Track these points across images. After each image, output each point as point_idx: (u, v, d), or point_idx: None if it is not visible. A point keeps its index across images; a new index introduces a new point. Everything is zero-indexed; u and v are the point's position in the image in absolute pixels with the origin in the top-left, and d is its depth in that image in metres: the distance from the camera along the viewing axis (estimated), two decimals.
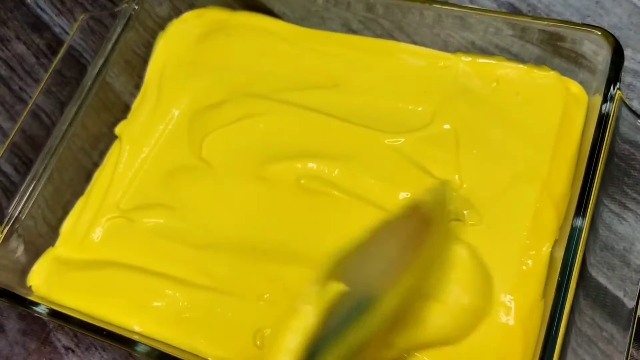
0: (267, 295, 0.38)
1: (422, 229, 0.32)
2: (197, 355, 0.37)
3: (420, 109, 0.42)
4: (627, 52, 0.45)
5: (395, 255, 0.31)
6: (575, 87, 0.41)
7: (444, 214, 0.35)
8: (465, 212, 0.37)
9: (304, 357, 0.26)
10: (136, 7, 0.48)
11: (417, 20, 0.44)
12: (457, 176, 0.39)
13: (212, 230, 0.41)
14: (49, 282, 0.42)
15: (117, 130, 0.47)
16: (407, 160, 0.40)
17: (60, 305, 0.40)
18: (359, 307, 0.28)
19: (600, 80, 0.38)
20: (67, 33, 0.56)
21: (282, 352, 0.26)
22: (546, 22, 0.40)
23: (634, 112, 0.37)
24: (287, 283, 0.38)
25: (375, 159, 0.41)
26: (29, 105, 0.46)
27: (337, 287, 0.27)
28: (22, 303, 0.39)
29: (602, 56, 0.39)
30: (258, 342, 0.37)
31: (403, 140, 0.41)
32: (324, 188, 0.41)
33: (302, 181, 0.41)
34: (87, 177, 0.46)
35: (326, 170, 0.41)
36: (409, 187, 0.39)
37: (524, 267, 0.36)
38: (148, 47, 0.50)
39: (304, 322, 0.26)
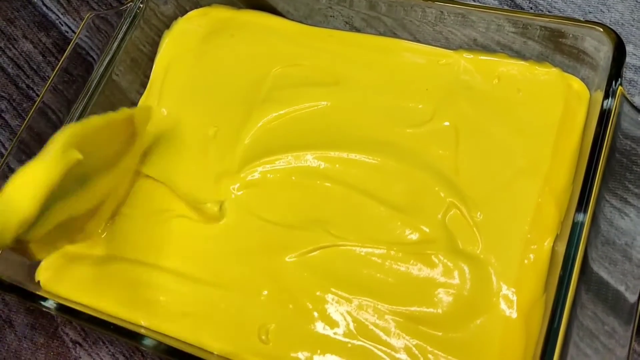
0: (266, 291, 0.39)
1: (129, 138, 0.40)
2: (203, 349, 0.38)
3: (420, 106, 0.43)
4: (629, 48, 0.45)
5: (110, 148, 0.39)
6: (576, 84, 0.41)
7: (140, 135, 0.42)
8: None
9: (43, 203, 0.31)
10: (142, 5, 0.48)
11: (419, 18, 0.44)
12: (455, 171, 0.40)
13: (214, 227, 0.42)
14: (57, 277, 0.42)
15: None
16: (405, 156, 0.41)
17: (68, 300, 0.40)
18: (81, 181, 0.35)
19: (601, 77, 0.39)
20: (73, 31, 0.56)
21: (30, 197, 0.31)
22: (548, 19, 0.40)
23: (635, 108, 0.37)
24: (284, 279, 0.39)
25: (374, 155, 0.41)
26: (36, 103, 0.46)
27: (75, 155, 0.33)
28: (30, 298, 0.39)
29: (603, 52, 0.39)
30: (263, 337, 0.38)
31: (403, 136, 0.42)
32: (317, 182, 0.41)
33: (293, 178, 0.42)
34: None
35: (322, 165, 0.42)
36: (405, 182, 0.40)
37: (525, 261, 0.37)
38: (154, 46, 0.50)
39: (50, 176, 0.31)
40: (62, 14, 0.57)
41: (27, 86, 0.55)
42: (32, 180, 0.31)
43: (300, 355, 0.37)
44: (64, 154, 0.32)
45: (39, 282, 0.42)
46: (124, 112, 0.40)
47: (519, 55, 0.43)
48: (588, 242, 0.34)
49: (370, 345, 0.36)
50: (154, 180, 0.44)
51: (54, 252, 0.42)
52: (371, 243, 0.39)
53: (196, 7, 0.51)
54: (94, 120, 0.37)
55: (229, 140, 0.44)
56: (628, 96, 0.37)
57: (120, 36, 0.47)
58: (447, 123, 0.41)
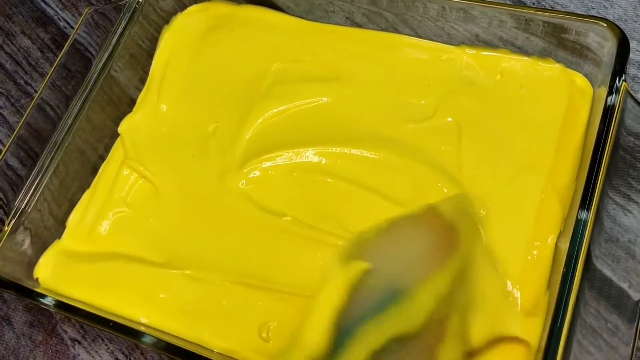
0: (268, 289, 0.38)
1: (449, 237, 0.33)
2: (202, 347, 0.37)
3: (423, 102, 0.42)
4: (633, 45, 0.45)
5: (421, 253, 0.32)
6: (580, 80, 0.41)
7: (472, 229, 0.35)
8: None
9: (335, 333, 0.27)
10: (140, 0, 0.48)
11: (420, 13, 0.44)
12: (458, 167, 0.40)
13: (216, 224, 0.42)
14: (55, 275, 0.42)
15: (120, 128, 0.47)
16: (407, 151, 0.41)
17: (67, 297, 0.40)
18: (392, 295, 0.29)
19: (605, 73, 0.38)
20: (71, 27, 0.56)
21: (312, 326, 0.27)
22: (551, 14, 0.40)
23: (639, 104, 0.37)
24: (286, 277, 0.39)
25: (376, 150, 0.41)
26: (35, 99, 0.46)
27: (359, 266, 0.28)
28: (29, 295, 0.39)
29: (607, 48, 0.39)
30: (264, 335, 0.37)
31: (405, 132, 0.41)
32: (318, 177, 0.41)
33: (295, 174, 0.41)
34: (93, 170, 0.46)
35: (324, 161, 0.41)
36: (408, 178, 0.40)
37: (529, 258, 0.36)
38: (153, 41, 0.50)
39: (330, 296, 0.27)
40: (60, 9, 0.57)
41: (26, 82, 0.54)
42: (315, 307, 0.28)
43: None
44: (345, 268, 0.29)
45: (37, 279, 0.42)
46: (421, 208, 0.34)
47: (522, 51, 0.43)
48: (591, 239, 0.34)
49: None
50: (154, 177, 0.44)
51: None
52: None
53: (196, 3, 0.51)
54: (379, 225, 0.33)
55: (229, 137, 0.44)
56: (632, 92, 0.37)
57: (119, 32, 0.47)
58: (449, 119, 0.41)
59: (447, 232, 0.33)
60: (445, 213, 0.34)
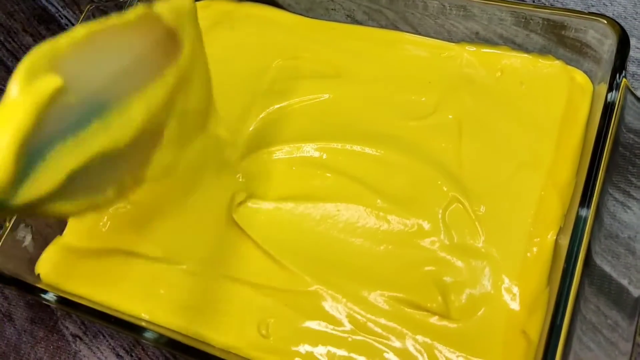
0: (266, 285, 0.39)
1: (168, 44, 0.29)
2: (204, 342, 0.38)
3: (423, 99, 0.43)
4: (632, 42, 0.45)
5: (133, 63, 0.28)
6: (580, 76, 0.41)
7: (195, 33, 0.32)
8: None
9: (23, 157, 0.23)
10: None
11: (420, 11, 0.44)
12: (458, 164, 0.40)
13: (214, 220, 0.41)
14: (57, 271, 0.42)
15: None
16: (408, 149, 0.41)
17: (68, 293, 0.40)
18: (95, 111, 0.26)
19: (605, 70, 0.38)
20: (73, 24, 0.56)
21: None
22: (551, 11, 0.40)
23: (639, 100, 0.37)
24: (284, 273, 0.39)
25: (377, 147, 0.41)
26: None
27: (50, 82, 0.24)
28: (30, 291, 0.39)
29: (607, 45, 0.39)
30: (263, 332, 0.37)
31: (405, 129, 0.41)
32: (317, 172, 0.41)
33: (294, 168, 0.41)
34: None
35: (324, 156, 0.41)
36: (408, 175, 0.40)
37: (528, 255, 0.36)
38: None
39: (15, 122, 0.23)
40: (61, 7, 0.57)
41: None
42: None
43: (301, 349, 0.37)
44: (31, 86, 0.23)
45: (38, 275, 0.42)
46: (135, 14, 0.28)
47: (522, 48, 0.43)
48: (591, 235, 0.34)
49: (371, 338, 0.36)
50: None
51: (100, 208, 0.29)
52: (372, 235, 0.38)
53: (197, 0, 0.51)
54: (74, 34, 0.26)
55: (229, 132, 0.44)
56: (632, 89, 0.37)
57: None
58: (450, 116, 0.41)
59: (166, 39, 0.29)
60: (164, 16, 0.29)
